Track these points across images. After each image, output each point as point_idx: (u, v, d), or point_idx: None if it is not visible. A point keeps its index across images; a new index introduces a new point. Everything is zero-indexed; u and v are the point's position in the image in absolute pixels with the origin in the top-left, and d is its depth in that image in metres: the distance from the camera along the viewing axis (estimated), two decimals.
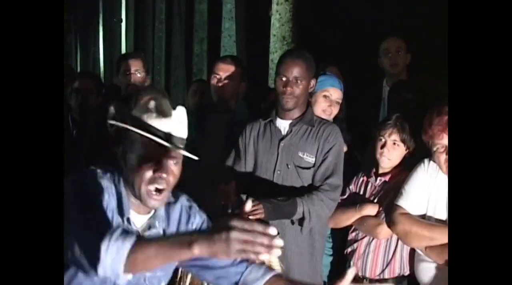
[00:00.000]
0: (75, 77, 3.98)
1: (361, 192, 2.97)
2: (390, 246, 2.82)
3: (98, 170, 1.88)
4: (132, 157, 1.84)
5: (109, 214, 1.82)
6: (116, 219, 1.84)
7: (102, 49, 16.59)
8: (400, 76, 3.80)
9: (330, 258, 3.10)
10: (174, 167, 1.83)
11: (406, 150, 2.87)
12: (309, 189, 2.75)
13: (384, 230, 2.77)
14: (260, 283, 1.85)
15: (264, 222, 2.41)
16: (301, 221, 2.72)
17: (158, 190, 1.81)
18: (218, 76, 3.24)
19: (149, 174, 1.80)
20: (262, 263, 2.11)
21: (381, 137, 2.87)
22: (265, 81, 6.41)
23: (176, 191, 1.93)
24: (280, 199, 2.68)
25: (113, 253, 1.55)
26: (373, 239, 2.85)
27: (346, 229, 2.96)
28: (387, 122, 2.90)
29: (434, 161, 2.57)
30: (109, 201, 1.84)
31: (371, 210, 2.85)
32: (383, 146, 2.86)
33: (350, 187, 3.01)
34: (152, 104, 1.85)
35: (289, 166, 2.79)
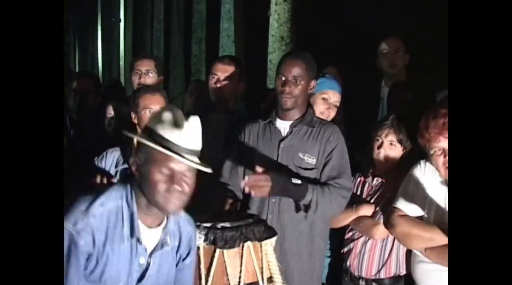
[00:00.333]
0: (73, 77, 3.97)
1: (358, 192, 2.97)
2: (386, 246, 2.82)
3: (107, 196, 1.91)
4: (147, 168, 1.86)
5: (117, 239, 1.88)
6: (126, 242, 1.89)
7: (100, 49, 16.60)
8: (398, 77, 3.81)
9: (328, 259, 3.11)
10: (188, 179, 1.85)
11: (403, 150, 2.87)
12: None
13: (380, 231, 2.77)
14: None
15: None
16: (306, 208, 2.71)
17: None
18: (216, 77, 3.23)
19: (163, 186, 1.83)
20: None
21: (378, 138, 2.87)
22: (263, 81, 6.42)
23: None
24: (293, 179, 2.67)
25: None
26: (369, 239, 2.85)
27: (344, 230, 2.97)
28: (384, 122, 2.91)
29: (431, 164, 2.56)
30: (117, 225, 1.88)
31: (367, 210, 2.85)
32: (380, 147, 2.87)
33: None
34: (167, 116, 1.85)
35: (289, 167, 2.79)
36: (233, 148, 2.94)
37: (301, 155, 2.78)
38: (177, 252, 2.07)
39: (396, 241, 2.78)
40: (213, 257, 2.32)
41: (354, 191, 2.98)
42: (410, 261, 2.73)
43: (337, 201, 2.70)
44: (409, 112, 2.92)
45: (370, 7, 6.28)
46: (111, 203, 1.89)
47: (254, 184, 2.56)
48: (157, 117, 1.88)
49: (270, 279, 2.41)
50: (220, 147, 3.02)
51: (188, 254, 2.11)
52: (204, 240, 2.31)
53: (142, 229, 1.92)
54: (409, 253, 2.74)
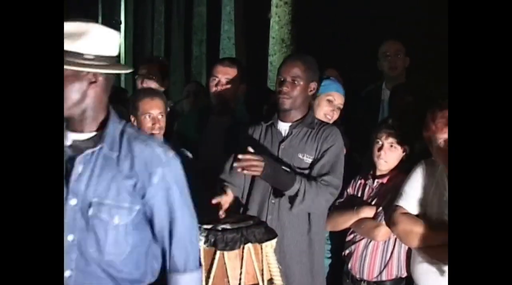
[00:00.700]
0: None
1: (359, 195, 2.97)
2: (388, 248, 2.82)
3: None
4: None
5: None
6: None
7: None
8: (399, 79, 3.82)
9: (329, 261, 3.11)
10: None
11: (403, 152, 2.88)
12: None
13: (381, 232, 2.77)
14: None
15: None
16: (292, 199, 2.69)
17: None
18: (217, 79, 3.23)
19: None
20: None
21: (378, 140, 2.88)
22: (264, 83, 6.42)
23: None
24: (283, 167, 2.67)
25: None
26: (370, 241, 2.85)
27: (344, 232, 2.96)
28: (384, 124, 2.91)
29: (434, 160, 2.57)
30: None
31: (368, 212, 2.85)
32: (380, 149, 2.87)
33: (348, 189, 3.01)
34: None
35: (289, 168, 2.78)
36: (237, 148, 2.94)
37: (300, 156, 2.78)
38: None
39: (397, 243, 2.78)
40: (213, 259, 2.32)
41: (355, 193, 2.99)
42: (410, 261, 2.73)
43: (324, 196, 2.68)
44: (410, 115, 2.92)
45: (370, 10, 6.28)
46: None
47: (248, 163, 2.56)
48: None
49: (270, 281, 2.41)
50: (221, 148, 3.03)
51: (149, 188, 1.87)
52: (205, 242, 2.31)
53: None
54: (410, 255, 2.74)
